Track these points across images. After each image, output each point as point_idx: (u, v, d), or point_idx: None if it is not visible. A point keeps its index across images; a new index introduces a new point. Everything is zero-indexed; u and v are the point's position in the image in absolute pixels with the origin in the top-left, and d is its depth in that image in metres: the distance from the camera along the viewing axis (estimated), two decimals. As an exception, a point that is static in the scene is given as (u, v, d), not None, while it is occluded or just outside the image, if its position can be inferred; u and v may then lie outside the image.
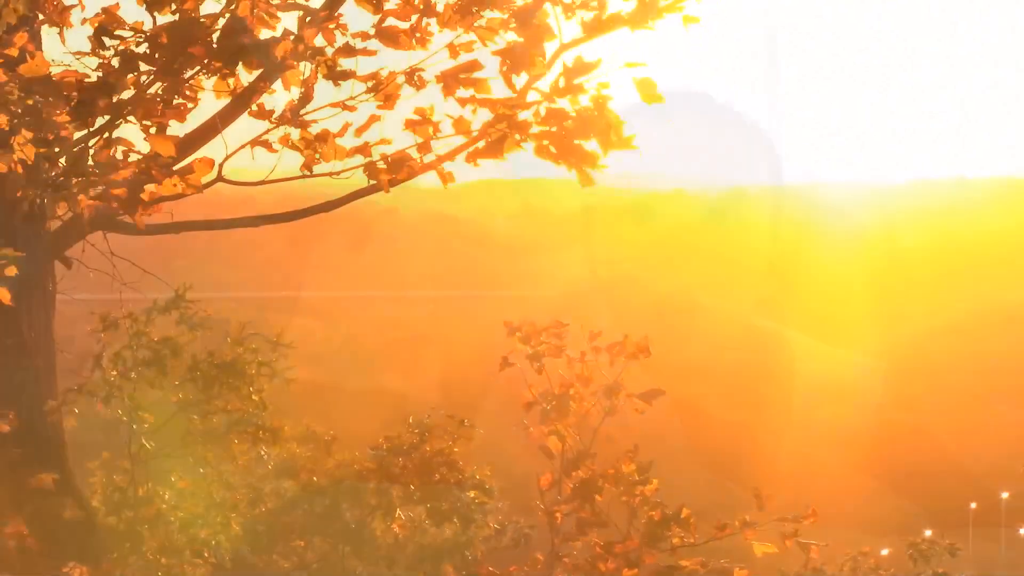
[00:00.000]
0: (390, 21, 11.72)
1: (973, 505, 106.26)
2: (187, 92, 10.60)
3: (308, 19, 11.47)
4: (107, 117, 10.38)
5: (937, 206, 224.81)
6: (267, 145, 11.96)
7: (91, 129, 10.23)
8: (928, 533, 23.19)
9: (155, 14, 11.27)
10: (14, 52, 10.09)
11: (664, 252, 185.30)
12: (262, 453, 21.34)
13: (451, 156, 12.06)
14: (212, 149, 12.64)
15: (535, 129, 11.73)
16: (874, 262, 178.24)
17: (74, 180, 10.05)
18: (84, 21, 11.46)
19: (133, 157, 10.96)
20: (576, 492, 12.12)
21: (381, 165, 11.97)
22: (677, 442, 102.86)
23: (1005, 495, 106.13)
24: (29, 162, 9.90)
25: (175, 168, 10.36)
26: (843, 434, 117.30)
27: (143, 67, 10.70)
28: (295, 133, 11.98)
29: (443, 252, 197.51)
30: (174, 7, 11.17)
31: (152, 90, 10.46)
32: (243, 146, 12.00)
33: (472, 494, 26.88)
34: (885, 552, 52.71)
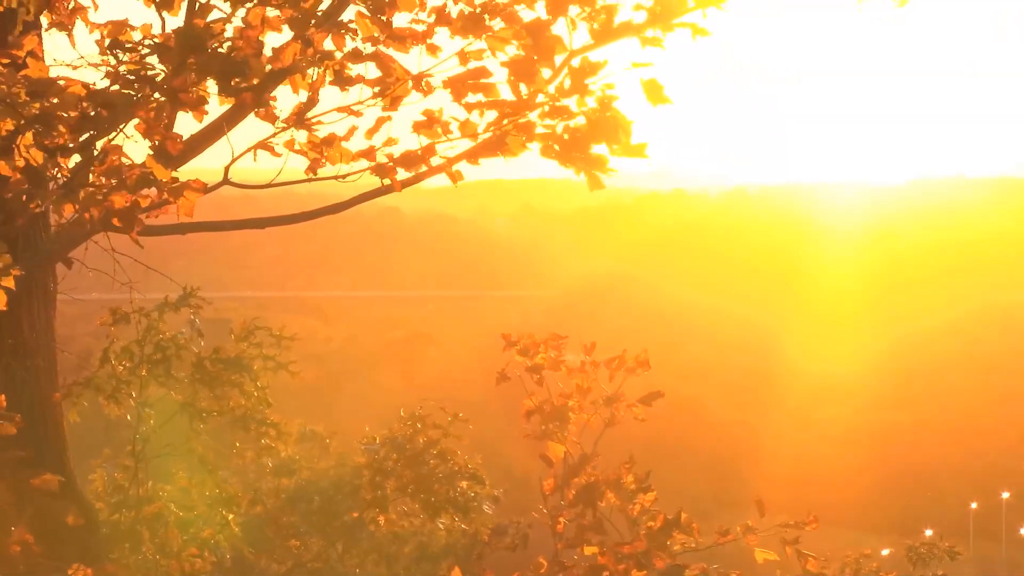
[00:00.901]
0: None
1: (973, 505, 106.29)
2: (193, 100, 10.56)
3: (313, 23, 11.47)
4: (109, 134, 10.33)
5: (937, 205, 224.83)
6: (271, 149, 11.93)
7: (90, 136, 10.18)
8: (929, 533, 23.16)
9: (164, 15, 11.27)
10: (21, 53, 10.07)
11: (664, 252, 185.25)
12: (267, 448, 21.32)
13: (457, 159, 12.03)
14: (215, 149, 12.65)
15: (540, 129, 11.65)
16: (874, 262, 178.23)
17: (80, 190, 10.01)
18: (93, 27, 11.43)
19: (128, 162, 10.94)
20: (578, 498, 12.07)
21: (389, 165, 11.95)
22: (677, 442, 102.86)
23: (1005, 495, 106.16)
24: (34, 165, 9.88)
25: (168, 188, 10.29)
26: (843, 434, 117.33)
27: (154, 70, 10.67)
28: (301, 136, 11.95)
29: (443, 252, 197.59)
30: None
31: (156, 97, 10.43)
32: (248, 150, 11.97)
33: (464, 484, 26.91)
34: (886, 552, 52.76)
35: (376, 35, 11.61)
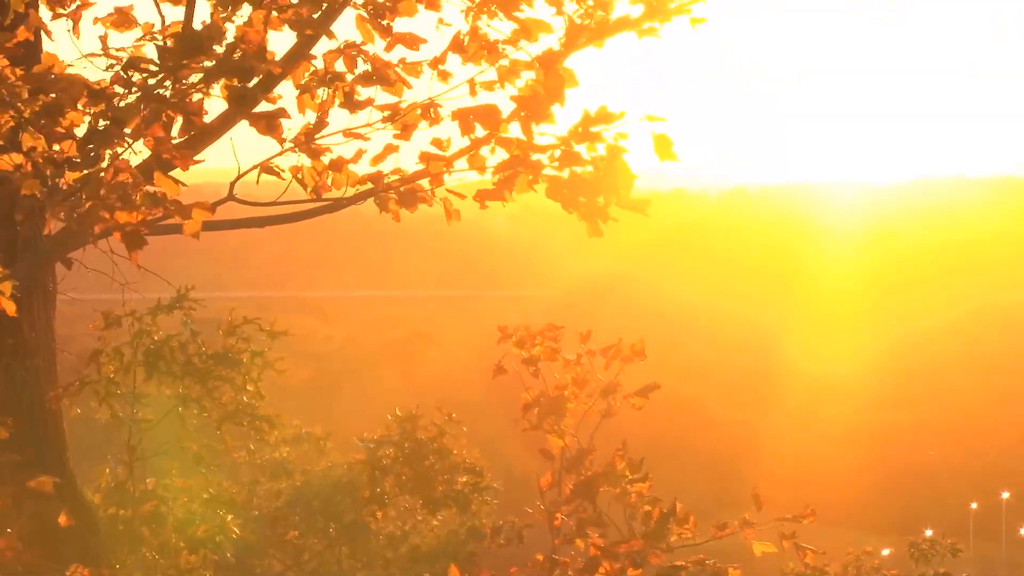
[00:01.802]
0: (399, 49, 11.68)
1: (973, 505, 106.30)
2: (194, 104, 10.54)
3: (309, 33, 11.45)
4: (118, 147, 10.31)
5: (937, 205, 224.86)
6: (278, 175, 11.96)
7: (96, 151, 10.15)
8: (929, 533, 23.16)
9: (162, 12, 11.26)
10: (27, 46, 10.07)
11: (664, 252, 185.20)
12: (260, 441, 21.28)
13: (461, 197, 12.12)
14: (219, 156, 12.65)
15: (548, 171, 11.68)
16: (874, 262, 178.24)
17: (85, 199, 9.96)
18: (96, 20, 11.42)
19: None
20: (576, 492, 12.05)
21: (392, 195, 12.00)
22: (677, 442, 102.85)
23: (1005, 495, 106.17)
24: (36, 163, 9.86)
25: (176, 208, 10.28)
26: (843, 434, 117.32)
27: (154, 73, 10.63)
28: (307, 160, 11.97)
29: (443, 252, 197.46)
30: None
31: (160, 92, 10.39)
32: (252, 168, 11.98)
33: (464, 479, 26.98)
34: (886, 552, 52.75)
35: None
